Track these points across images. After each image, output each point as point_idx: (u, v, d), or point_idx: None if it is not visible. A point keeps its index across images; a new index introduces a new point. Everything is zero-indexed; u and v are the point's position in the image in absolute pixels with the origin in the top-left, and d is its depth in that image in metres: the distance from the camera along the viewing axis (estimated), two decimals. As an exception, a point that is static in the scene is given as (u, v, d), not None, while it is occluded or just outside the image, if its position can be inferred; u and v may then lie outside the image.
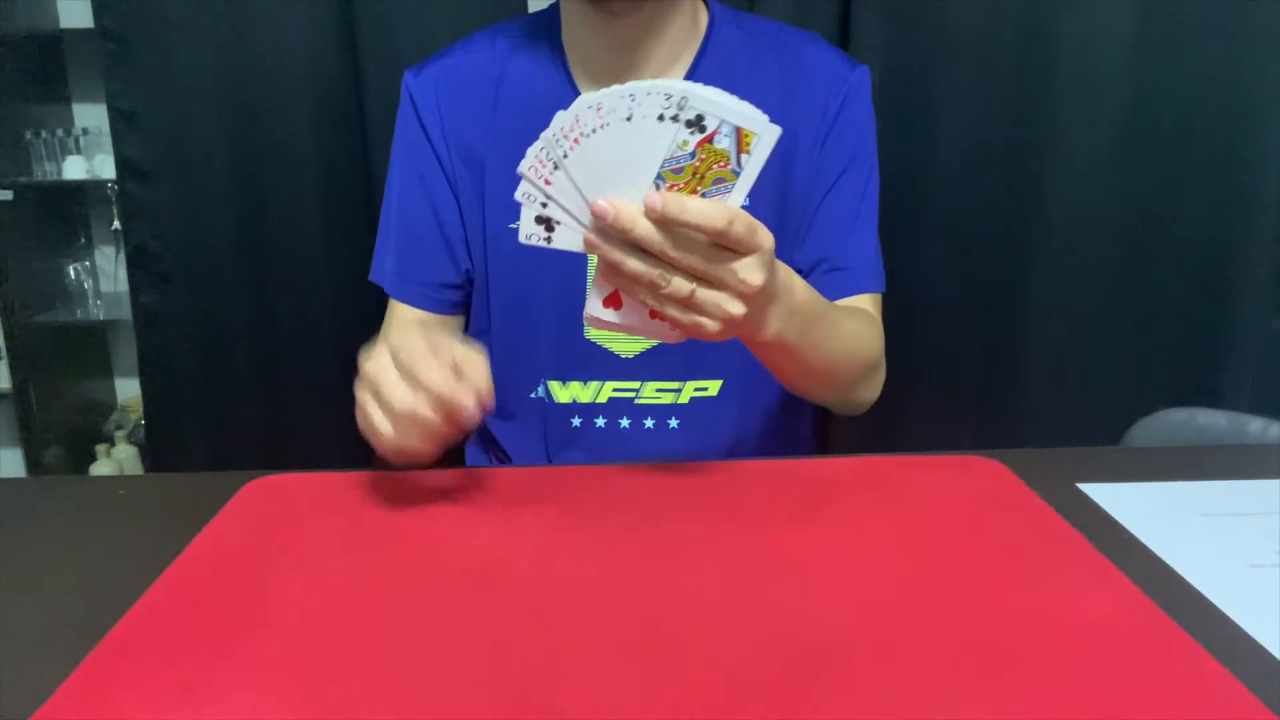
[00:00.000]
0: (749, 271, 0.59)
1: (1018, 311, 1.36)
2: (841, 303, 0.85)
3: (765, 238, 0.59)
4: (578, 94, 0.85)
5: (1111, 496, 0.67)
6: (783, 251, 0.87)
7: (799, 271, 0.87)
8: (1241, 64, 1.26)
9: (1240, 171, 1.29)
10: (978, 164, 1.31)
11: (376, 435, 0.62)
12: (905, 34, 1.27)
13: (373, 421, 0.61)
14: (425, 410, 0.59)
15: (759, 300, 0.62)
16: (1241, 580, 0.56)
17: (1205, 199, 1.31)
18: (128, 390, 2.56)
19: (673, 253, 0.57)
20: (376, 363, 0.61)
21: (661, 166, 0.57)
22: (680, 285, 0.58)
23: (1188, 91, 1.27)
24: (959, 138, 1.31)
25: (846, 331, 0.78)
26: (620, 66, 0.84)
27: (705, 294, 0.59)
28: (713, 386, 0.89)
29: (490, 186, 0.87)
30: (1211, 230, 1.32)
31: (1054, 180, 1.31)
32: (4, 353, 2.31)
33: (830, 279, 0.86)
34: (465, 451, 1.03)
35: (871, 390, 0.86)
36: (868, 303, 0.86)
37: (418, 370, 0.59)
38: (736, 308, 0.60)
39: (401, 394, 0.59)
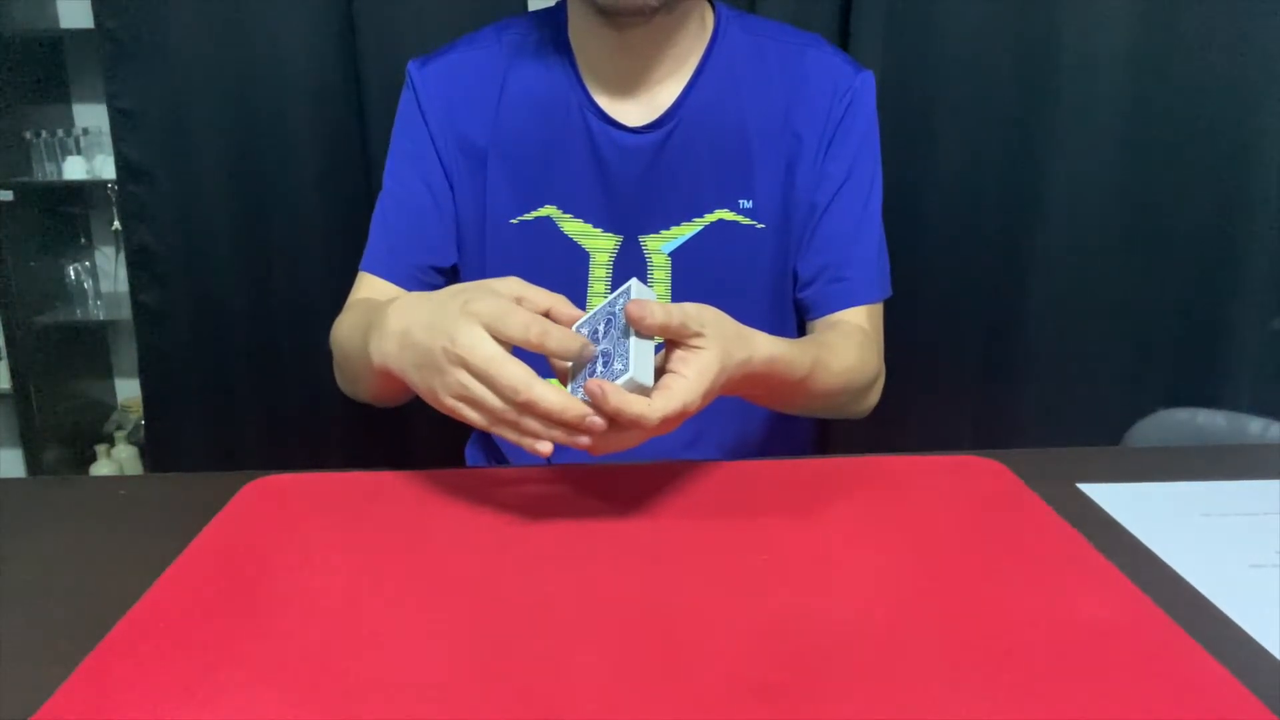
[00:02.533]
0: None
1: (1018, 312, 1.36)
2: (838, 317, 0.86)
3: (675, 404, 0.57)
4: (586, 94, 0.85)
5: (1111, 496, 0.67)
6: (787, 258, 0.88)
7: (798, 280, 0.88)
8: (1240, 66, 1.26)
9: (1239, 172, 1.29)
10: (977, 165, 1.31)
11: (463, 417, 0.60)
12: (905, 36, 1.27)
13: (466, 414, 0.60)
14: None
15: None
16: (1241, 580, 0.56)
17: (1204, 199, 1.31)
18: (128, 390, 2.56)
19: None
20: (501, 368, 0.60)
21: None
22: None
23: (1187, 91, 1.28)
24: (958, 139, 1.31)
25: (833, 376, 0.76)
26: (629, 72, 0.84)
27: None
28: None
29: (492, 181, 0.87)
30: (1211, 231, 1.32)
31: (1054, 181, 1.31)
32: (4, 353, 2.31)
33: (831, 290, 0.87)
34: (465, 452, 1.02)
35: (866, 404, 0.87)
36: (864, 315, 0.86)
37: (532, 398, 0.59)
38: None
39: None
